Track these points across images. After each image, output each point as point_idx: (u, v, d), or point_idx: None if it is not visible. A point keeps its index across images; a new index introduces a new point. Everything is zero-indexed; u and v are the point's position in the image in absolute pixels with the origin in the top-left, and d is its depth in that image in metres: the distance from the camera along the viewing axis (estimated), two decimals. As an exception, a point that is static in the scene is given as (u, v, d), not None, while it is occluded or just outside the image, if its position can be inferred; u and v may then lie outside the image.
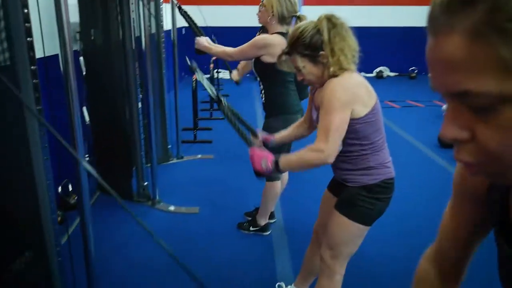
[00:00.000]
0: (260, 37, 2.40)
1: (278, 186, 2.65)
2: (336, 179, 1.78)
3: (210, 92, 1.79)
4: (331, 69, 1.49)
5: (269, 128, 2.48)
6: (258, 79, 2.51)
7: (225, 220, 2.96)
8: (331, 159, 1.49)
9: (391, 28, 9.08)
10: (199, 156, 4.20)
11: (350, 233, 1.66)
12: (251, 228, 2.79)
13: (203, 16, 3.41)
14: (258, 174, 1.68)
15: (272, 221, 2.88)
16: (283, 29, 2.41)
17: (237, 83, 3.47)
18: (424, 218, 3.02)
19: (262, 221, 2.77)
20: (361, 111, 1.51)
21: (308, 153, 1.53)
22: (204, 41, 2.63)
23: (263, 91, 2.50)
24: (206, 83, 1.76)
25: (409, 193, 3.21)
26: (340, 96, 1.47)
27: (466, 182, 0.67)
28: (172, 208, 3.10)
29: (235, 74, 3.42)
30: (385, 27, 9.01)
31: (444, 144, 4.44)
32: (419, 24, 9.21)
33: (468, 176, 0.67)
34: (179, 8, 2.69)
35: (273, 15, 2.37)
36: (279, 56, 1.68)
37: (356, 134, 1.54)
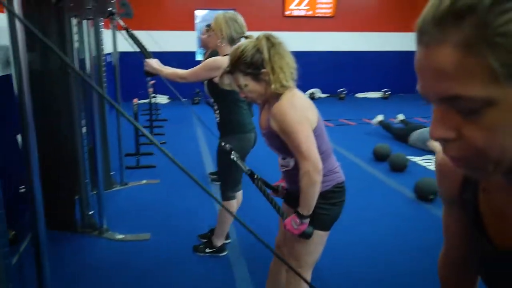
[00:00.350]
0: (211, 60, 2.44)
1: (234, 205, 2.66)
2: (291, 192, 1.84)
3: (243, 168, 1.77)
4: (273, 86, 1.56)
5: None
6: (213, 100, 2.54)
7: (179, 244, 2.89)
8: (320, 165, 1.55)
9: (322, 52, 9.63)
10: (144, 181, 4.08)
11: (312, 241, 1.71)
12: (207, 250, 2.75)
13: (155, 40, 3.37)
14: (302, 235, 1.65)
15: (227, 241, 2.86)
16: (233, 50, 2.48)
17: None
18: (368, 225, 3.20)
19: (219, 242, 2.74)
20: (312, 123, 1.60)
21: (303, 181, 1.58)
22: (154, 63, 2.61)
23: (217, 111, 2.53)
24: (240, 161, 1.77)
25: (351, 204, 3.38)
26: (293, 115, 1.55)
27: (442, 189, 0.72)
28: (121, 236, 2.97)
29: None
30: (317, 51, 9.54)
31: (379, 158, 4.75)
32: (347, 49, 9.91)
33: (442, 184, 0.72)
34: (126, 29, 2.65)
35: (223, 38, 2.44)
36: (221, 76, 1.73)
37: None
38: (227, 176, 2.58)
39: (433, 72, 0.45)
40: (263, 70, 1.57)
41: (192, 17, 8.79)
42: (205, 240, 2.84)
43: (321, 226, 1.69)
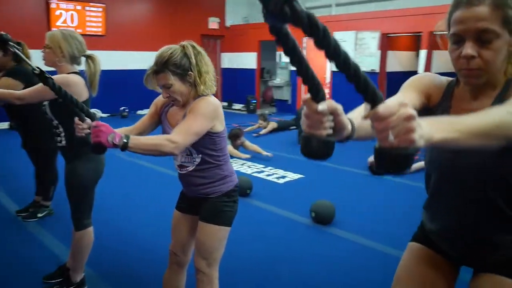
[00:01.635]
0: (60, 77, 2.23)
1: (92, 232, 2.48)
2: (190, 198, 1.98)
3: (31, 65, 1.63)
4: (201, 87, 1.76)
5: (80, 171, 2.32)
6: (56, 122, 2.31)
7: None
8: (177, 153, 1.70)
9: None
10: None
11: (220, 238, 1.90)
12: (66, 290, 2.46)
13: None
14: (100, 148, 1.54)
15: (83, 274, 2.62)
16: (75, 68, 2.35)
17: None
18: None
19: (78, 277, 2.49)
20: (219, 127, 1.82)
21: (162, 140, 1.63)
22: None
23: (62, 134, 2.33)
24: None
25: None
26: (208, 107, 1.74)
27: (427, 86, 1.16)
28: None
29: None
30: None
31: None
32: (121, 67, 9.80)
33: (430, 84, 1.17)
34: None
35: (63, 56, 2.28)
36: (147, 75, 1.77)
37: (215, 146, 1.83)
38: (81, 202, 2.39)
39: (475, 18, 0.96)
40: (189, 73, 1.73)
41: None
42: (57, 280, 2.52)
43: (228, 223, 1.90)
